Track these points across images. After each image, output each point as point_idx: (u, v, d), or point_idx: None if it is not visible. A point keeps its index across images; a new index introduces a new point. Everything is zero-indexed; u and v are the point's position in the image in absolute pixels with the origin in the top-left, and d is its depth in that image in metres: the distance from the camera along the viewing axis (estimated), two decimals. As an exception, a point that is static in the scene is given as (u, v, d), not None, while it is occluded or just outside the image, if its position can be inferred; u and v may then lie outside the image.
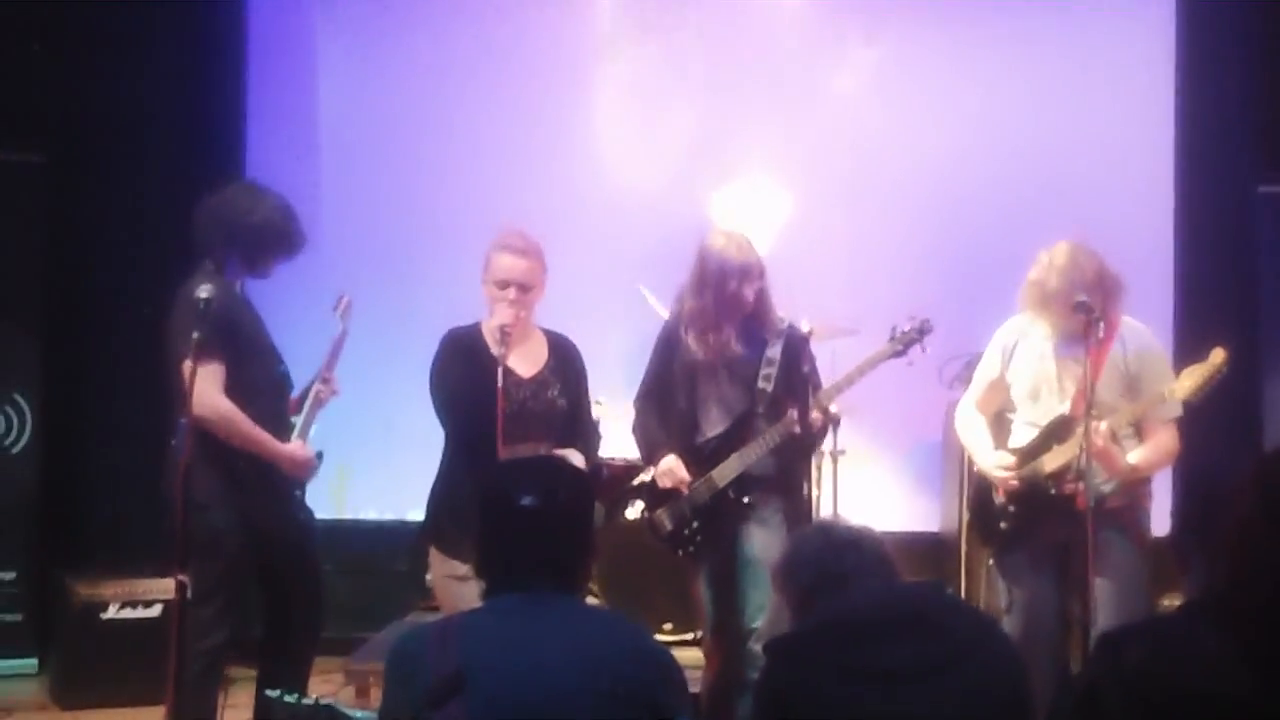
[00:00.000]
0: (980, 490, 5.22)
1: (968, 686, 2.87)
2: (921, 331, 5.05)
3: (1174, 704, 2.17)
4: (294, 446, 5.06)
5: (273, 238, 5.11)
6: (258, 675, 5.17)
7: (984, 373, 5.27)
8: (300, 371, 5.25)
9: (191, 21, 7.54)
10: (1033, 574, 5.00)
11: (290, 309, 5.75)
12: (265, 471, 5.00)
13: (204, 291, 4.67)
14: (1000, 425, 5.24)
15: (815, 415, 4.98)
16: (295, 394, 5.22)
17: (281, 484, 5.07)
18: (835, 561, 3.16)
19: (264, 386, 5.06)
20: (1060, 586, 5.01)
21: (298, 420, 5.13)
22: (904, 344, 5.05)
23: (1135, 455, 4.91)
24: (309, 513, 5.25)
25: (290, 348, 5.27)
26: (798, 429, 4.99)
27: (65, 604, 6.59)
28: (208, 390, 4.70)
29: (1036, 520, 5.02)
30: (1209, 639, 2.26)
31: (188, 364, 4.71)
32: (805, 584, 3.21)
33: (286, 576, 5.15)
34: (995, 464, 5.08)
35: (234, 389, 4.86)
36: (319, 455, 5.15)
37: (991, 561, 5.18)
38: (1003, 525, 5.10)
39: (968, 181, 7.20)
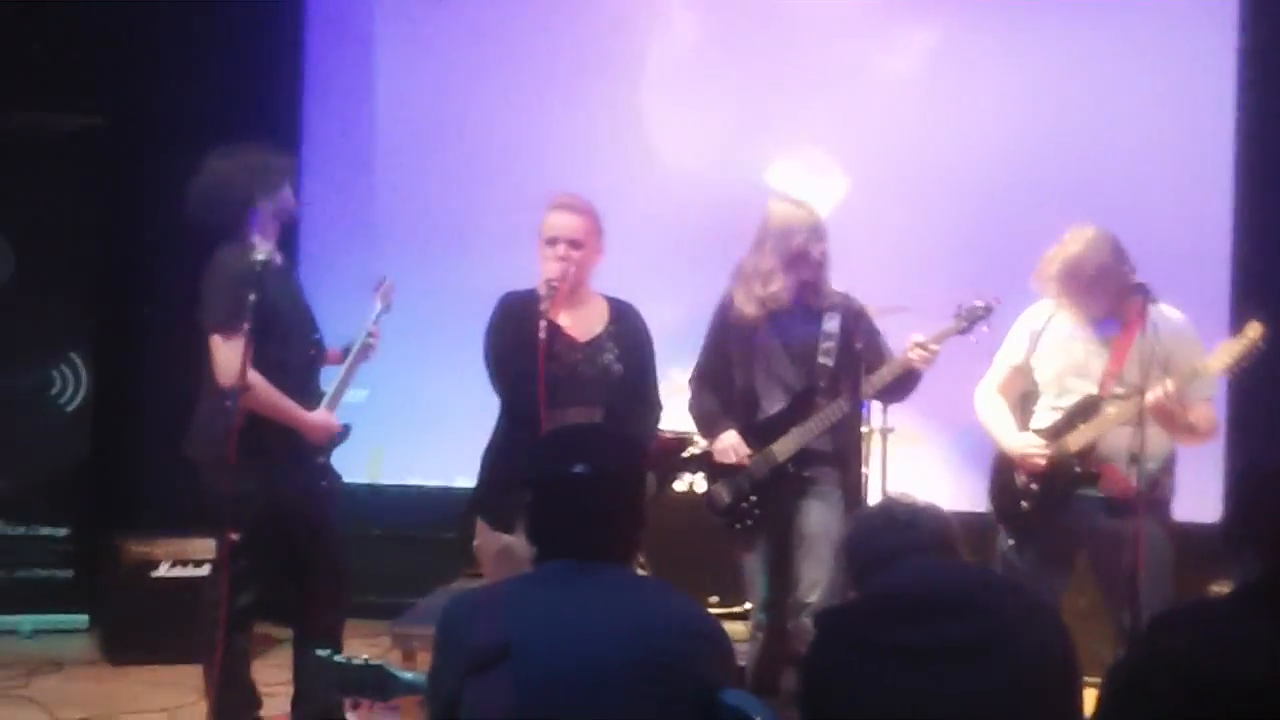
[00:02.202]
0: (1002, 470, 5.18)
1: (1011, 668, 2.87)
2: (988, 309, 5.04)
3: (1220, 689, 2.17)
4: (318, 415, 5.10)
5: (274, 175, 5.13)
6: (294, 643, 5.26)
7: (1007, 356, 5.22)
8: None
9: (250, -9, 7.57)
10: (1040, 576, 4.97)
11: (340, 282, 5.76)
12: (288, 439, 5.04)
13: (260, 254, 4.70)
14: (1022, 410, 5.21)
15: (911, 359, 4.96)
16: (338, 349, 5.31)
17: (304, 451, 5.10)
18: (890, 538, 3.16)
19: (292, 355, 5.09)
20: (1061, 587, 5.06)
21: (334, 377, 5.19)
22: (969, 321, 5.04)
23: (1191, 417, 4.87)
24: (336, 479, 5.29)
25: (336, 319, 5.34)
26: (847, 408, 5.01)
27: (116, 562, 6.68)
28: (229, 364, 4.72)
29: (1058, 502, 4.99)
30: (1258, 626, 2.25)
31: (216, 337, 4.78)
32: (860, 560, 3.21)
33: (306, 544, 5.19)
34: (1024, 444, 5.05)
35: (260, 357, 4.84)
36: (347, 427, 5.21)
37: (1011, 542, 5.13)
38: (1024, 505, 5.07)
39: (1020, 161, 7.13)
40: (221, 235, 5.04)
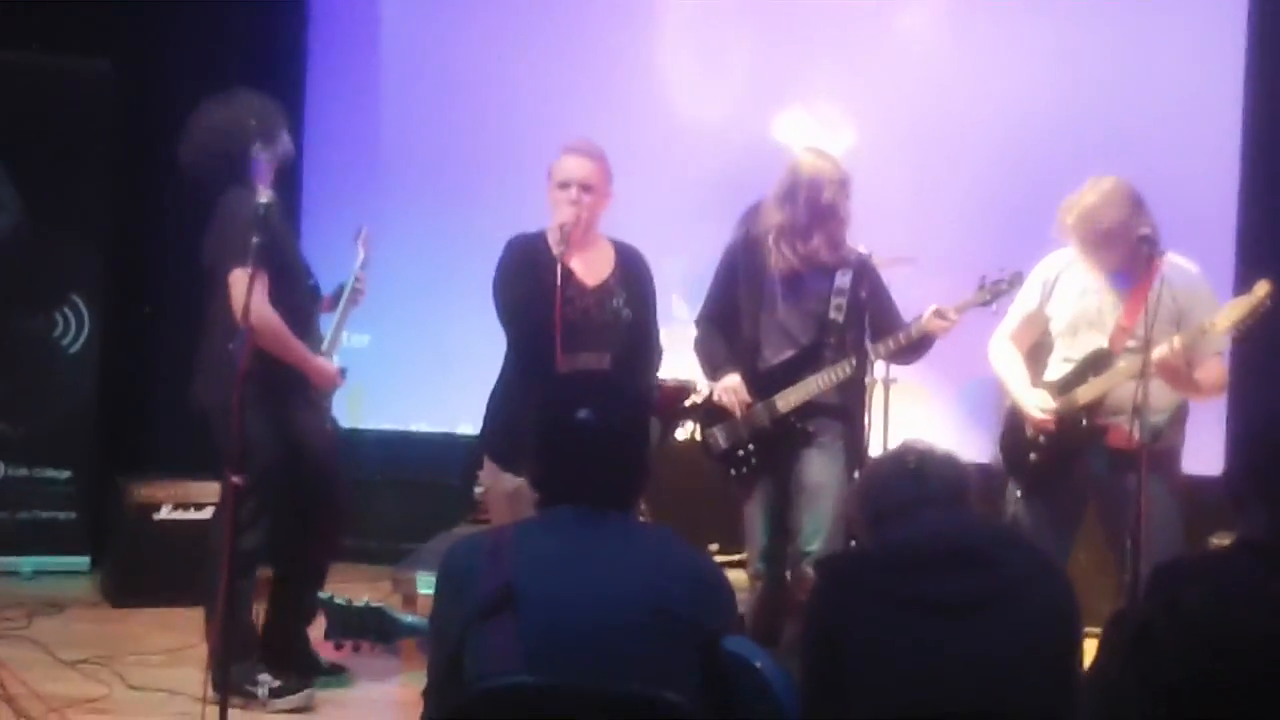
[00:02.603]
0: (1011, 421, 5.17)
1: (1016, 622, 2.87)
2: (1011, 284, 5.04)
3: (1233, 643, 2.16)
4: (322, 360, 5.17)
5: (273, 121, 5.20)
6: (275, 579, 5.29)
7: (1021, 305, 5.19)
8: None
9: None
10: (1048, 529, 4.97)
11: (345, 227, 5.76)
12: (298, 382, 5.11)
13: (264, 197, 4.71)
14: (1035, 360, 5.20)
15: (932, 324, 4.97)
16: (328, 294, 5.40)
17: (316, 393, 5.19)
18: (903, 490, 3.14)
19: (297, 299, 5.15)
20: (1070, 543, 5.05)
21: (331, 324, 5.27)
22: (992, 295, 5.04)
23: (1198, 373, 4.85)
24: (336, 424, 5.39)
25: (340, 265, 5.42)
26: (854, 368, 5.01)
27: (119, 504, 6.68)
28: (251, 298, 4.73)
29: (1067, 456, 4.99)
30: (1271, 581, 2.23)
31: (238, 272, 4.76)
32: (870, 512, 3.21)
33: (311, 485, 5.24)
34: (1034, 404, 5.03)
35: (272, 299, 4.93)
36: (343, 371, 5.27)
37: (1020, 495, 5.13)
38: (1032, 457, 5.06)
39: (1030, 117, 7.09)
40: (221, 181, 5.08)
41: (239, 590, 4.89)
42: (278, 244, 4.91)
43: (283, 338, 4.99)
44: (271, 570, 5.40)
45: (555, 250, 4.78)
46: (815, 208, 5.04)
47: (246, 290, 4.51)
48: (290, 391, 5.09)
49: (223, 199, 5.05)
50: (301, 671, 5.29)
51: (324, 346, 5.23)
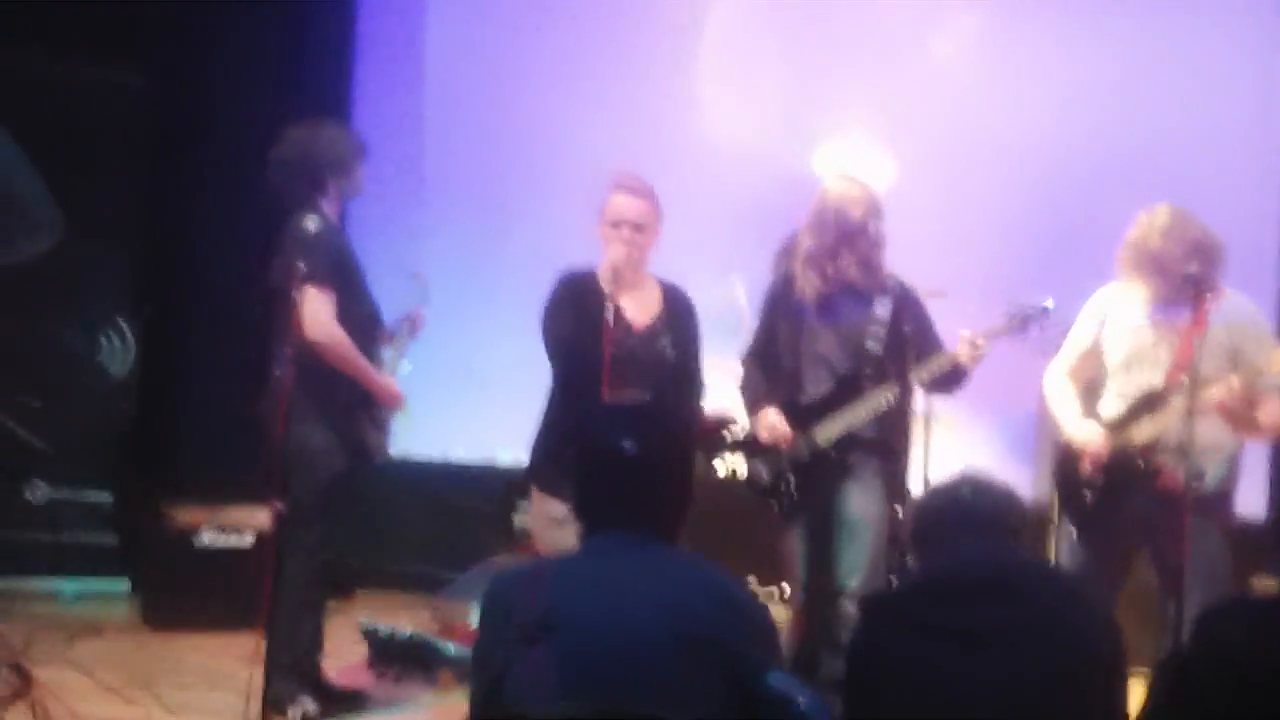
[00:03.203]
0: (1065, 459, 5.14)
1: (1043, 653, 2.85)
2: (1043, 311, 4.98)
3: (1272, 682, 2.14)
4: (388, 379, 5.29)
5: (350, 159, 5.33)
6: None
7: (1076, 340, 5.18)
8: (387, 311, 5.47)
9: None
10: (1098, 566, 4.94)
11: (387, 249, 5.81)
12: (364, 399, 5.20)
13: (311, 224, 4.79)
14: (1091, 394, 5.16)
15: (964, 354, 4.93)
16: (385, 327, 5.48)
17: (378, 412, 5.27)
18: (944, 519, 3.15)
19: (361, 321, 5.24)
20: (1118, 582, 4.99)
21: (391, 350, 5.39)
22: (1021, 321, 4.99)
23: (1260, 413, 4.79)
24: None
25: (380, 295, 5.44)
26: (893, 398, 4.99)
27: (159, 528, 6.72)
28: (321, 315, 4.81)
29: (1121, 495, 4.94)
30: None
31: (309, 290, 4.89)
32: (916, 535, 3.21)
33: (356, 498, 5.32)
34: (1085, 436, 5.01)
35: (340, 319, 5.05)
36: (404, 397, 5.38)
37: (1073, 530, 5.11)
38: (1087, 495, 5.02)
39: (1066, 147, 7.06)
40: (297, 204, 5.19)
41: (308, 601, 4.99)
42: (345, 267, 5.08)
43: (350, 354, 5.11)
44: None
45: (606, 289, 4.79)
46: (843, 227, 5.03)
47: (317, 304, 4.56)
48: (357, 406, 5.19)
49: (292, 221, 5.16)
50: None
51: (386, 369, 5.35)
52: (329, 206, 5.26)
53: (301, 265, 4.89)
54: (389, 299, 5.53)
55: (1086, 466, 5.01)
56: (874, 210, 5.07)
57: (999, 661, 2.83)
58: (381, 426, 5.33)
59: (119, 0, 7.27)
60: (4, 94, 6.68)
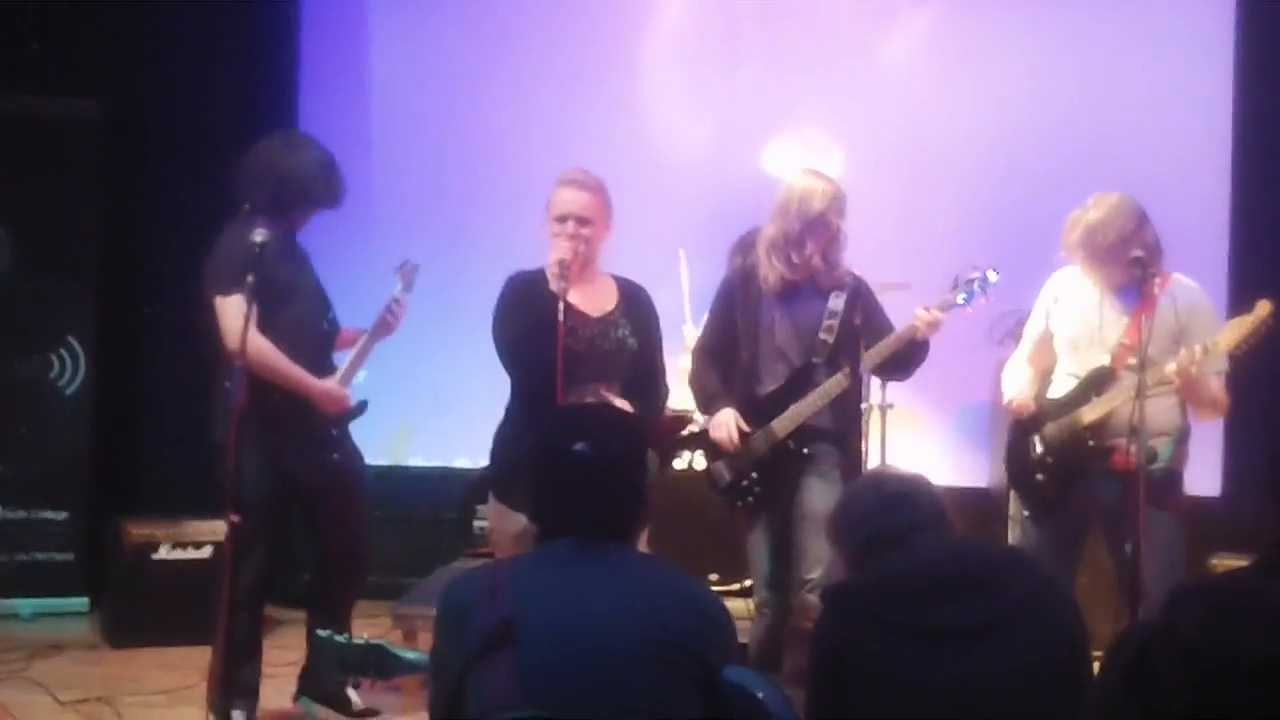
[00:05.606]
0: (1017, 441, 5.16)
1: (1022, 643, 2.88)
2: (985, 279, 5.01)
3: (1229, 665, 2.13)
4: (327, 383, 5.08)
5: (309, 190, 5.16)
6: (306, 618, 5.25)
7: (1033, 327, 5.23)
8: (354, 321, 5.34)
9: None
10: (1053, 549, 4.95)
11: (342, 262, 5.76)
12: (300, 412, 5.03)
13: (259, 236, 4.72)
14: (1048, 380, 5.20)
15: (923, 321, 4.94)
16: (351, 329, 5.32)
17: (318, 425, 5.09)
18: (888, 518, 3.15)
19: (305, 331, 5.10)
20: (1074, 564, 5.02)
21: (347, 355, 5.19)
22: (967, 291, 5.02)
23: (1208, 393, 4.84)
24: (353, 455, 5.27)
25: (340, 301, 5.34)
26: (846, 382, 5.01)
27: (117, 544, 6.67)
28: (233, 325, 4.73)
29: (1073, 476, 4.96)
30: (1273, 596, 2.20)
31: (220, 299, 4.83)
32: (859, 542, 3.20)
33: (321, 519, 5.22)
34: (1012, 391, 5.09)
35: (273, 332, 4.90)
36: (363, 403, 5.20)
37: (1027, 513, 5.15)
38: (1039, 477, 5.05)
39: (1018, 140, 7.13)
40: (275, 219, 5.04)
41: (238, 625, 4.86)
42: (277, 278, 4.90)
43: (274, 364, 4.93)
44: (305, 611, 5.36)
45: (554, 286, 4.71)
46: (807, 217, 5.02)
47: (229, 314, 4.49)
48: (281, 422, 5.00)
49: (221, 232, 5.05)
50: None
51: (336, 377, 5.13)
52: (297, 225, 5.16)
53: (213, 274, 4.86)
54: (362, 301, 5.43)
55: (1039, 448, 5.01)
56: (836, 205, 5.07)
57: (982, 655, 2.84)
58: (317, 439, 5.10)
59: (64, 32, 7.26)
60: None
